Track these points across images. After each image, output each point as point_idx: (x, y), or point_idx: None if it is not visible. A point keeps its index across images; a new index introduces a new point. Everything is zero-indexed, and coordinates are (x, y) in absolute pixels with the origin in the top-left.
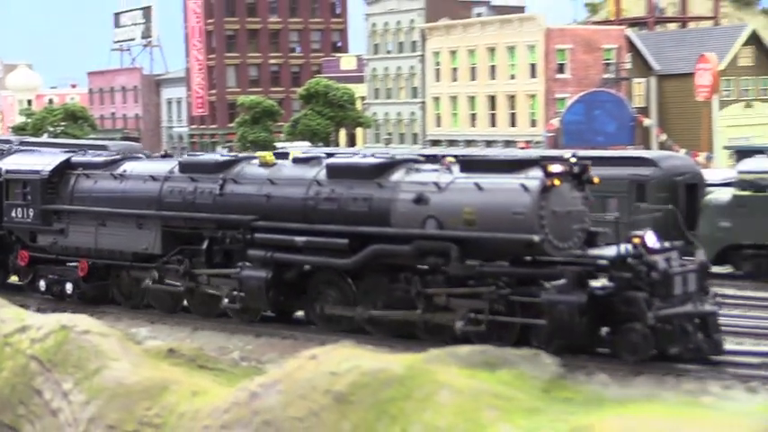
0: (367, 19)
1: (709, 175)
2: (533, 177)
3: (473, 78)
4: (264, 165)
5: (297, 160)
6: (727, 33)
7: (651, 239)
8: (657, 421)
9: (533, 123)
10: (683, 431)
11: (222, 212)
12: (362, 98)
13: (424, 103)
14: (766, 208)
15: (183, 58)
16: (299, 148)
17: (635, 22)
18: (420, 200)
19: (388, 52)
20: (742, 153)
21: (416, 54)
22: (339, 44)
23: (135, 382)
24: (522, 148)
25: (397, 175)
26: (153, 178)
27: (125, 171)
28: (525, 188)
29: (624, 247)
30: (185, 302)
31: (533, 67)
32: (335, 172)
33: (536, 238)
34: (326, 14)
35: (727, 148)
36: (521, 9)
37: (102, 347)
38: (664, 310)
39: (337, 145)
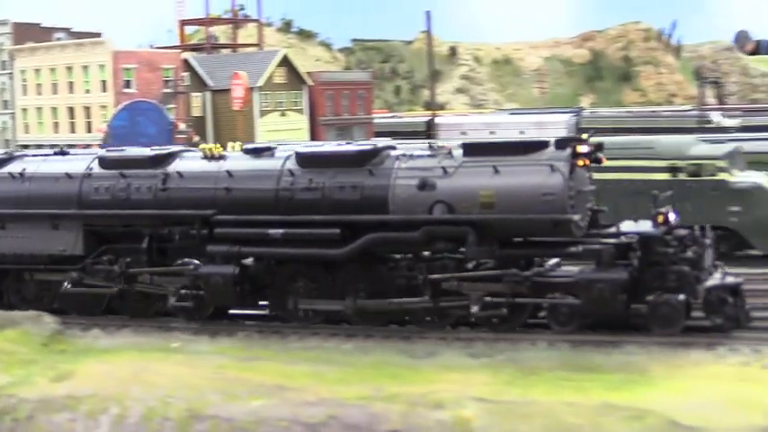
0: None
1: None
2: (559, 158)
3: (55, 92)
4: (210, 157)
5: (248, 151)
6: (265, 57)
7: (672, 216)
8: (127, 363)
9: None
10: (147, 370)
11: (168, 208)
12: None
13: (14, 113)
14: None
15: None
16: None
17: (195, 48)
18: (425, 185)
19: None
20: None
21: (6, 72)
22: None
23: None
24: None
25: (389, 162)
26: (69, 176)
27: (24, 170)
28: (554, 168)
29: (650, 225)
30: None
31: (104, 82)
32: (310, 161)
33: (575, 217)
34: None
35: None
36: (98, 35)
37: None
38: (708, 283)
39: None
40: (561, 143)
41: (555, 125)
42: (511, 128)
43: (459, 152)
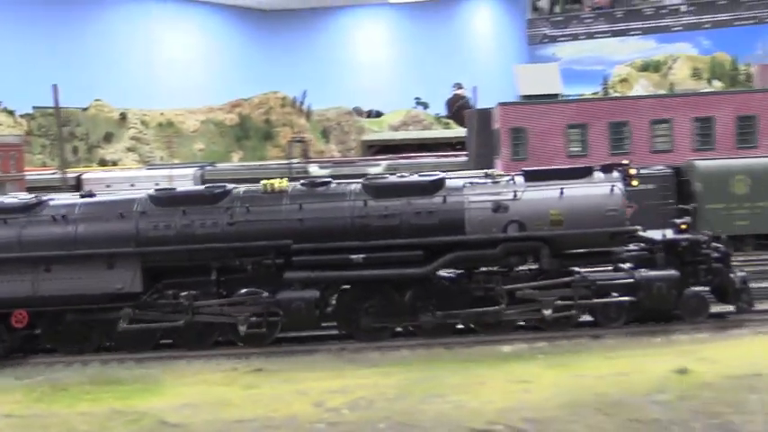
0: None
1: None
2: (616, 180)
3: None
4: (272, 191)
5: (305, 185)
6: None
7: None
8: None
9: None
10: None
11: (239, 241)
12: None
13: None
14: None
15: None
16: None
17: None
18: (499, 208)
19: None
20: None
21: None
22: None
23: None
24: None
25: (457, 190)
26: (122, 215)
27: (67, 213)
28: (614, 190)
29: (685, 232)
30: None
31: None
32: (381, 191)
33: (639, 228)
34: None
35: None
36: None
37: None
38: (740, 276)
39: None
40: (606, 168)
41: (183, 178)
42: (147, 181)
43: (520, 179)
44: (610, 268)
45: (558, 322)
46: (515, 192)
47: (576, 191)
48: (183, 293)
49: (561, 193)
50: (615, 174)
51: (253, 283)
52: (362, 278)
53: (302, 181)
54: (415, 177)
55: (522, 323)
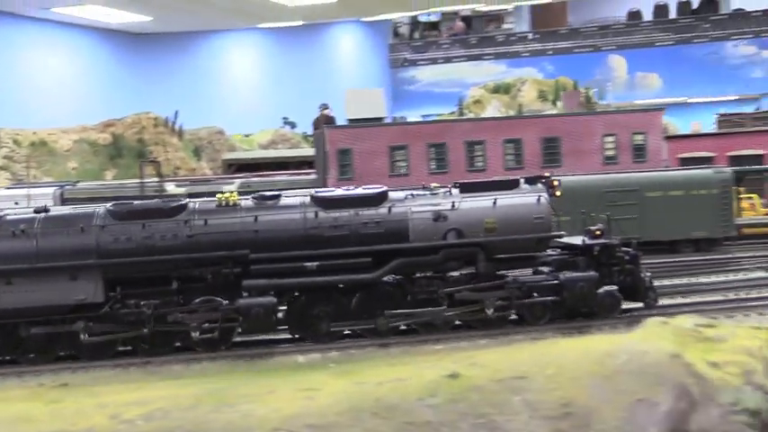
0: None
1: None
2: (540, 191)
3: None
4: (226, 204)
5: (256, 198)
6: None
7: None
8: None
9: None
10: None
11: (199, 251)
12: None
13: None
14: None
15: None
16: None
17: None
18: (439, 217)
19: None
20: None
21: None
22: None
23: None
24: None
25: (401, 201)
26: (82, 229)
27: (24, 229)
28: (540, 199)
29: (602, 237)
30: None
31: None
32: (330, 203)
33: (563, 233)
34: None
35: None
36: None
37: None
38: (647, 276)
39: None
40: (531, 180)
41: (43, 197)
42: (7, 200)
43: (456, 190)
44: (530, 271)
45: (499, 320)
46: (453, 202)
47: (507, 200)
48: (144, 302)
49: (494, 203)
50: (539, 185)
51: (210, 291)
52: (317, 284)
53: (252, 195)
54: (361, 190)
55: (458, 322)
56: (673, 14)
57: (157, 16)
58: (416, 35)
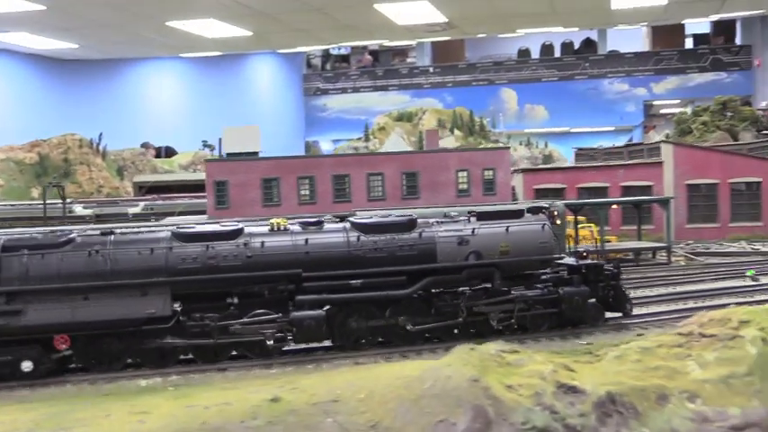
0: None
1: None
2: (543, 220)
3: None
4: (278, 228)
5: (302, 224)
6: None
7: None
8: None
9: None
10: None
11: (257, 270)
12: None
13: None
14: None
15: None
16: None
17: None
18: (462, 241)
19: None
20: None
21: None
22: None
23: None
24: None
25: (429, 226)
26: (152, 250)
27: (98, 247)
28: (544, 227)
29: (586, 258)
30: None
31: None
32: (369, 229)
33: (564, 256)
34: None
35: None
36: None
37: None
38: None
39: None
40: (533, 209)
41: None
42: None
43: (473, 218)
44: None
45: (507, 328)
46: (473, 228)
47: (518, 227)
48: (208, 315)
49: (507, 229)
50: (541, 215)
51: (265, 305)
52: (360, 299)
53: (298, 221)
54: (395, 218)
55: (472, 330)
56: (558, 53)
57: (83, 44)
58: (328, 66)
